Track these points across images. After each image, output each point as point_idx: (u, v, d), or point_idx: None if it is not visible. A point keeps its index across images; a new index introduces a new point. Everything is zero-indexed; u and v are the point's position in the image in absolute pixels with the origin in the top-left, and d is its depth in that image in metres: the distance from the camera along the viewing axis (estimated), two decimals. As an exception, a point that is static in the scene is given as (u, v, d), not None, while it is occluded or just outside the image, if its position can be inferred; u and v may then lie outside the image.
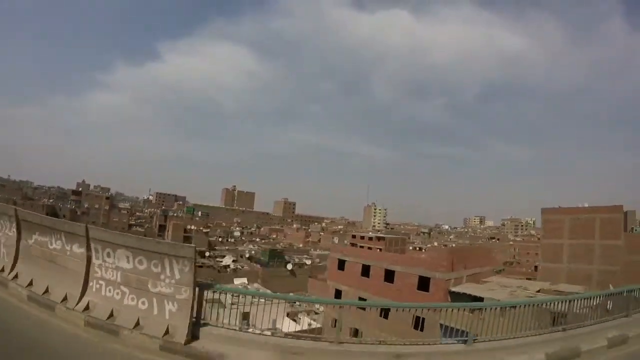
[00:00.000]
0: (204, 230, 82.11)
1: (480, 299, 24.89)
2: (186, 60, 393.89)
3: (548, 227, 42.77)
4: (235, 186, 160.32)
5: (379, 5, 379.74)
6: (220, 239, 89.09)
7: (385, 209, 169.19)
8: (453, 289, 27.68)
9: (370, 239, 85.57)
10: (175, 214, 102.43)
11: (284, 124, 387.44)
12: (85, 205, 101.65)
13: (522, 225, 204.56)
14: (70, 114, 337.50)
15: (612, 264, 37.70)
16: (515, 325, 7.28)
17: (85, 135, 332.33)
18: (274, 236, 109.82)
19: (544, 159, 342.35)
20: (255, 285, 46.65)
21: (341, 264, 38.05)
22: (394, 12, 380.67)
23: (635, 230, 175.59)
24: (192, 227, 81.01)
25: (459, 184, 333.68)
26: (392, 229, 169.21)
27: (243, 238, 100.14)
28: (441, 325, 21.44)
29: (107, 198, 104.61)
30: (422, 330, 22.19)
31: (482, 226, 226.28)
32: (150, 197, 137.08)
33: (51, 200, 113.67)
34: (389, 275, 32.12)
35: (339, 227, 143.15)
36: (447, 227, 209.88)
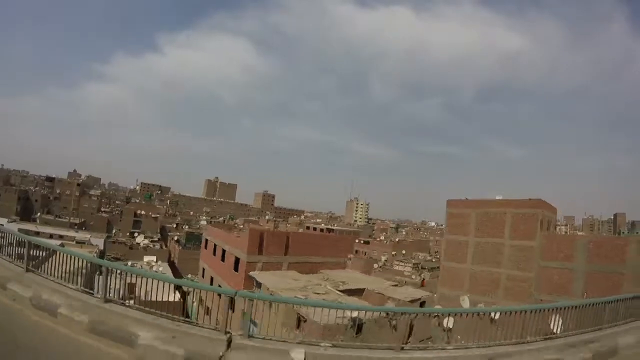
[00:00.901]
0: (153, 216, 76.90)
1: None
2: (185, 53, 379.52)
3: (452, 222, 34.00)
4: (217, 177, 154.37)
5: (380, 1, 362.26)
6: (175, 226, 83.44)
7: (367, 204, 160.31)
8: (251, 273, 24.44)
9: (322, 230, 78.25)
10: (140, 202, 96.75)
11: (280, 119, 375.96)
12: (58, 192, 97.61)
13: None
14: (68, 104, 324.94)
15: (525, 268, 28.76)
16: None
17: (83, 126, 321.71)
18: (242, 226, 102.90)
19: (541, 159, 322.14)
20: (159, 262, 45.34)
21: (206, 244, 36.04)
22: (394, 9, 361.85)
23: (624, 233, 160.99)
24: (142, 212, 76.03)
25: (454, 182, 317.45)
26: (373, 223, 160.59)
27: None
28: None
29: (78, 185, 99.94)
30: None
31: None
32: (137, 187, 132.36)
33: (37, 188, 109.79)
34: (224, 255, 29.52)
35: (319, 220, 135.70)
36: (433, 223, 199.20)
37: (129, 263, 38.83)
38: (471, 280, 31.58)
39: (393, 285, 25.13)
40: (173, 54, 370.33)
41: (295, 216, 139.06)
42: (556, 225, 34.57)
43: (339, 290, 20.38)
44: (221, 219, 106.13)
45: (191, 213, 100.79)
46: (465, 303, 20.43)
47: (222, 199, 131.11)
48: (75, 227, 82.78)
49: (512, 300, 29.19)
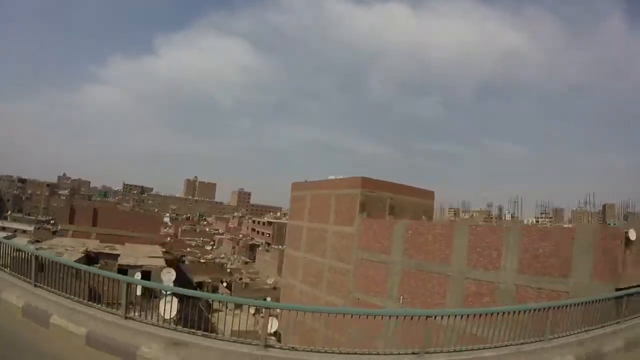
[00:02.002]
0: None
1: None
2: (181, 54, 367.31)
3: (294, 206, 30.19)
4: (196, 177, 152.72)
5: None
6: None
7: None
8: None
9: (264, 223, 75.41)
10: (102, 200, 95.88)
11: (277, 118, 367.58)
12: (29, 192, 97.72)
13: (491, 218, 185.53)
14: (63, 108, 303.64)
15: (344, 259, 23.92)
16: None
17: (78, 130, 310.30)
18: (205, 222, 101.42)
19: (540, 156, 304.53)
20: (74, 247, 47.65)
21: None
22: (391, 6, 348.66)
23: (611, 225, 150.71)
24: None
25: (450, 179, 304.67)
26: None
27: (169, 223, 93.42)
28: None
29: (48, 185, 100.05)
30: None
31: (455, 218, 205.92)
32: (121, 189, 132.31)
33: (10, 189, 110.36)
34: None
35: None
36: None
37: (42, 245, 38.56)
38: (304, 269, 27.63)
39: (151, 257, 23.40)
40: (169, 55, 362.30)
41: (270, 213, 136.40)
42: (426, 213, 28.80)
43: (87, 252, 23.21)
44: (184, 216, 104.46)
45: (156, 210, 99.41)
46: (167, 276, 16.82)
47: (198, 198, 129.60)
48: (43, 223, 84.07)
49: (334, 296, 24.71)
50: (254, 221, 79.90)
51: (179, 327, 5.58)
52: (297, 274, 28.04)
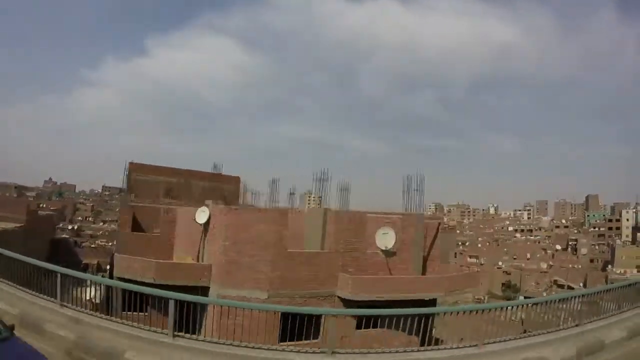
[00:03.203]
0: (52, 208, 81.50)
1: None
2: (173, 54, 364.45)
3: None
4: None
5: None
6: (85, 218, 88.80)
7: (319, 197, 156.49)
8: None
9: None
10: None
11: (272, 117, 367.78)
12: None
13: (468, 212, 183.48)
14: (55, 112, 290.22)
15: None
16: None
17: (70, 134, 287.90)
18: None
19: (535, 149, 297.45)
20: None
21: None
22: (383, 2, 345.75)
23: (590, 217, 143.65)
24: (44, 205, 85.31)
25: (445, 175, 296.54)
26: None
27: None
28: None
29: (16, 187, 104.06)
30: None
31: (436, 213, 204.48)
32: (100, 191, 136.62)
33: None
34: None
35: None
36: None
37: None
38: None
39: None
40: (162, 56, 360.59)
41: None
42: (228, 197, 25.88)
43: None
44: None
45: (117, 210, 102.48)
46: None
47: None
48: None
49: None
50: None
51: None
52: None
